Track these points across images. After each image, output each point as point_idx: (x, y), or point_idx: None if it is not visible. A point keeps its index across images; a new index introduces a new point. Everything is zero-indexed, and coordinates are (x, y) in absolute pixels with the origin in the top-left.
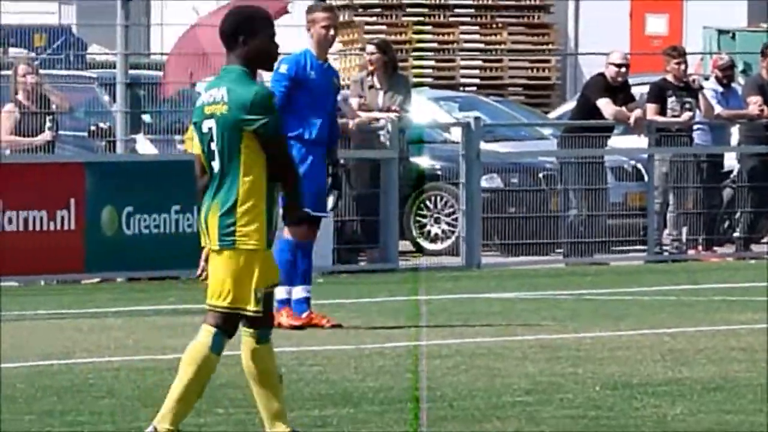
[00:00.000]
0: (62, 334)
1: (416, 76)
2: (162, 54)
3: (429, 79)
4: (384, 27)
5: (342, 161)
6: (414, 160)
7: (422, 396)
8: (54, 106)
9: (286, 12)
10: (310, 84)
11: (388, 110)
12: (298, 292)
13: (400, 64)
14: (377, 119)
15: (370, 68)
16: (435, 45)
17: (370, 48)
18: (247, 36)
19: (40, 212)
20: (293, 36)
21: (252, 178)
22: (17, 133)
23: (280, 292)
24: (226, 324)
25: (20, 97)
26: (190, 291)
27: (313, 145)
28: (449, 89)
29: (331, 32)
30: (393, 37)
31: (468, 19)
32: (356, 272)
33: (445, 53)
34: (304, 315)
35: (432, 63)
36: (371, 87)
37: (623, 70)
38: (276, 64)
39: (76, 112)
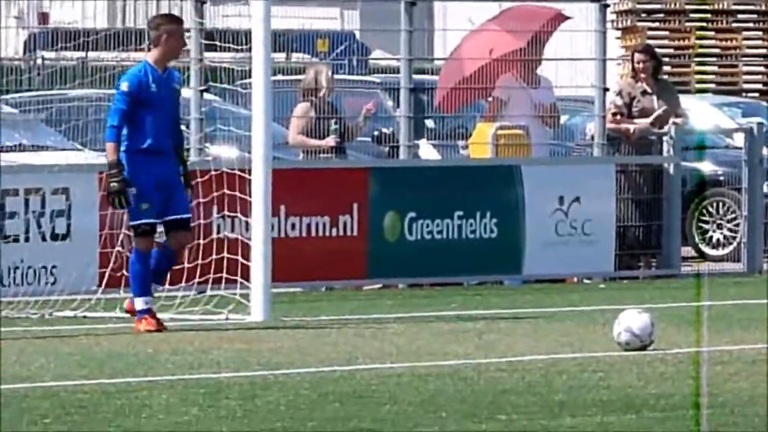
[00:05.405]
0: (344, 340)
1: (699, 81)
2: (444, 59)
3: (712, 85)
4: (667, 32)
5: None
6: (696, 165)
7: (703, 402)
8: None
9: (564, 18)
10: (152, 97)
11: (666, 115)
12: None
13: (683, 70)
14: (660, 125)
15: (642, 76)
16: (718, 50)
17: (639, 56)
18: None
19: (322, 218)
20: (574, 41)
21: None
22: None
23: (139, 303)
24: None
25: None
26: (473, 297)
27: (156, 155)
28: (732, 95)
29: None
30: (675, 42)
31: (751, 24)
32: (638, 278)
33: (728, 59)
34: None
35: (714, 68)
36: (644, 93)
37: None
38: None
39: (359, 118)
